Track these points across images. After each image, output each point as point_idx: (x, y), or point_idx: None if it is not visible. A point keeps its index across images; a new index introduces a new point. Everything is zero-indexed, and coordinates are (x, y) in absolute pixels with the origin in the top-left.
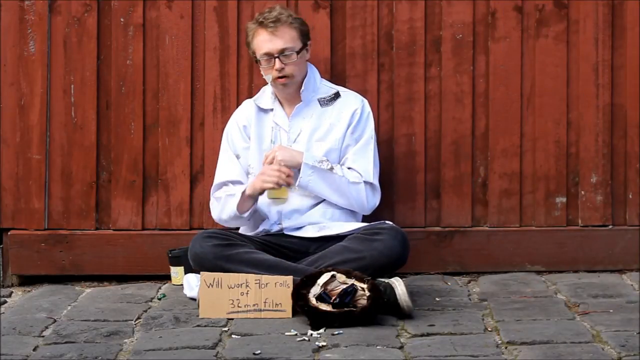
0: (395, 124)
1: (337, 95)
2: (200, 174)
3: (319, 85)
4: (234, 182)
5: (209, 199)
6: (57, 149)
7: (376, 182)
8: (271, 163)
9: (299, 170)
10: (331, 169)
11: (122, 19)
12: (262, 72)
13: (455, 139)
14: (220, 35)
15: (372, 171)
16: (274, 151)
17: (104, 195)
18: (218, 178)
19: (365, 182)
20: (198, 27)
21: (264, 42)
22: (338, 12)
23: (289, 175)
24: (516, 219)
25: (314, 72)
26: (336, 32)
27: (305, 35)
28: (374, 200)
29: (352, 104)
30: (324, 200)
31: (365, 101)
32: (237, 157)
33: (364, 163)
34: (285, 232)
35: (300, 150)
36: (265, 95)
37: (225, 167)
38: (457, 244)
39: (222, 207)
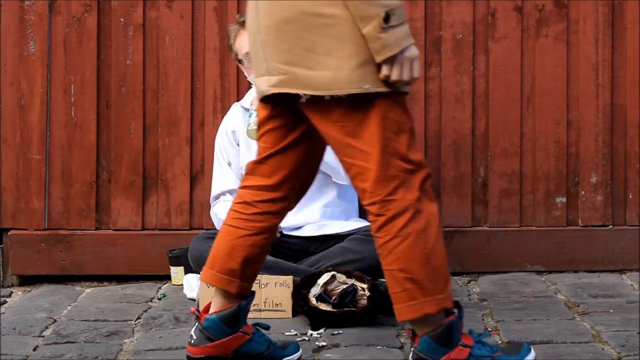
0: None
1: None
2: (200, 174)
3: None
4: (230, 192)
5: (209, 202)
6: (57, 149)
7: None
8: None
9: None
10: None
11: (122, 19)
12: (245, 73)
13: (455, 139)
14: (220, 35)
15: None
16: None
17: (104, 195)
18: (214, 189)
19: None
20: (198, 27)
21: (246, 41)
22: None
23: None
24: (516, 219)
25: None
26: None
27: None
28: None
29: None
30: (319, 196)
31: None
32: (229, 164)
33: None
34: (284, 232)
35: None
36: (251, 96)
37: (220, 178)
38: (457, 244)
39: (219, 225)
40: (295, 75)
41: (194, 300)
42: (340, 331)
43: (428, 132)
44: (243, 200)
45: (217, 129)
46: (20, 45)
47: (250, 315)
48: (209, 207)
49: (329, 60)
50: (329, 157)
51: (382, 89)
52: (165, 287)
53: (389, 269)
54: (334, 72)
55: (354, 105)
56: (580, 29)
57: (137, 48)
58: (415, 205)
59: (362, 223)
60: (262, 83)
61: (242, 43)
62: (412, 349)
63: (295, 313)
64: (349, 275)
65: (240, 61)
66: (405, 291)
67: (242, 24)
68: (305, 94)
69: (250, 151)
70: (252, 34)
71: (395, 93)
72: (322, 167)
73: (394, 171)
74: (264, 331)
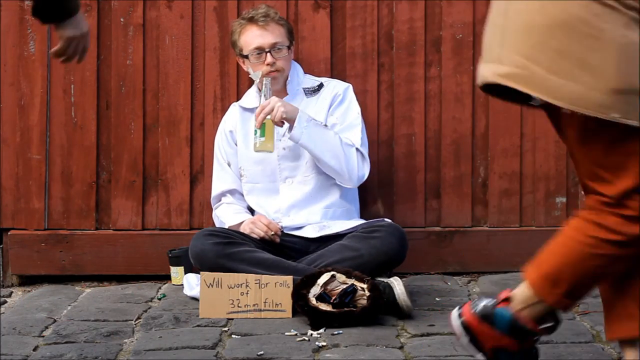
0: (395, 124)
1: (321, 85)
2: (200, 174)
3: (302, 78)
4: (230, 192)
5: (209, 202)
6: (57, 149)
7: (366, 153)
8: (270, 112)
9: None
10: (325, 126)
11: (122, 19)
12: (248, 70)
13: (455, 139)
14: (220, 35)
15: (360, 141)
16: (274, 102)
17: (104, 195)
18: (215, 189)
19: (356, 148)
20: (198, 27)
21: (255, 37)
22: (338, 12)
23: (276, 233)
24: (516, 219)
25: (296, 67)
26: (336, 32)
27: (291, 34)
28: (364, 169)
29: (334, 89)
30: (321, 198)
31: (350, 86)
32: (229, 164)
33: (353, 134)
34: (285, 232)
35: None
36: (250, 96)
37: (220, 178)
38: (457, 244)
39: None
40: (532, 73)
41: (194, 299)
42: (340, 331)
43: (428, 132)
44: None
45: (217, 129)
46: (20, 45)
47: (250, 315)
48: (209, 207)
49: (582, 74)
50: (332, 160)
51: (634, 122)
52: (165, 287)
53: (555, 240)
54: (584, 89)
55: (600, 125)
56: None
57: (137, 48)
58: (630, 239)
59: (362, 221)
60: (486, 69)
61: (249, 38)
62: (493, 299)
63: (295, 313)
64: (348, 275)
65: (246, 57)
66: (543, 275)
67: (250, 19)
68: (539, 98)
69: (249, 153)
70: (495, 14)
71: None
72: (327, 170)
73: (631, 204)
74: None
